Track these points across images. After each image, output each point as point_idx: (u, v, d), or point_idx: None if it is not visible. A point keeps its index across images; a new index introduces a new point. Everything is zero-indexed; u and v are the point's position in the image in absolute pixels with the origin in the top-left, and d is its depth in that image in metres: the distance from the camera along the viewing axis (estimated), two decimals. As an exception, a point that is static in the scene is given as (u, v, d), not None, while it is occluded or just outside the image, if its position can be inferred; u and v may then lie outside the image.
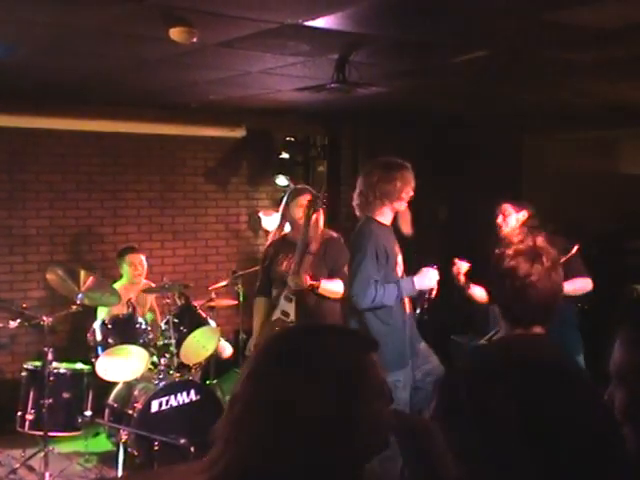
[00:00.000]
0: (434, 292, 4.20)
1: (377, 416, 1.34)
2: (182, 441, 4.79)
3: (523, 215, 4.75)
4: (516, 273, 2.09)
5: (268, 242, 5.08)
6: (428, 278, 4.13)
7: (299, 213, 4.66)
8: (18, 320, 5.26)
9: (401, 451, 1.53)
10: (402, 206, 4.24)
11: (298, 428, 1.26)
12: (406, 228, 4.36)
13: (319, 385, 1.27)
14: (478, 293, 4.57)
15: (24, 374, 5.25)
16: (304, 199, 4.66)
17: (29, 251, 6.42)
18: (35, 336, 6.07)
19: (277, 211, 7.36)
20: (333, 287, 4.54)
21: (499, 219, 4.78)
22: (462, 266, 4.58)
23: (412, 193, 4.22)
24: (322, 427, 1.25)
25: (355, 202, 4.28)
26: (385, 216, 4.21)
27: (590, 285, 4.58)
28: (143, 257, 6.04)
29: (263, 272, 4.94)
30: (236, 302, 6.25)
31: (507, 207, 4.78)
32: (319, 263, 4.59)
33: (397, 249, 4.24)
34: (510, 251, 2.14)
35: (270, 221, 7.37)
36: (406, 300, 4.21)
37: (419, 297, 4.23)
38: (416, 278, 4.12)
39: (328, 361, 1.31)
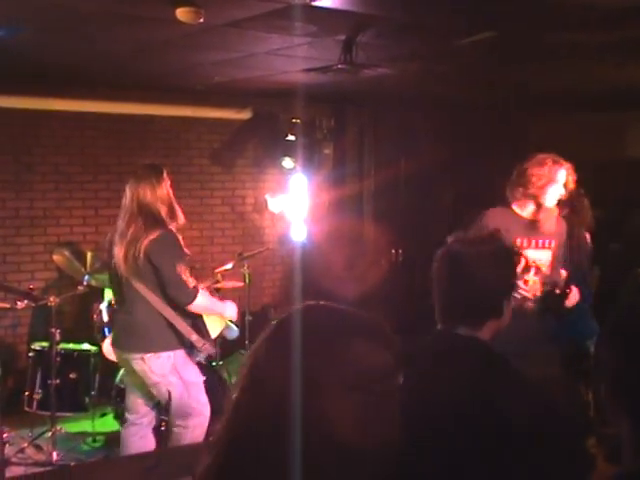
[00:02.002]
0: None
1: (356, 411, 1.25)
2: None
3: None
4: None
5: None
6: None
7: (169, 195, 4.14)
8: (25, 301, 5.28)
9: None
10: (543, 200, 4.14)
11: (279, 412, 1.23)
12: (546, 225, 4.24)
13: (290, 368, 1.24)
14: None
15: (31, 355, 5.28)
16: (167, 177, 4.19)
17: (36, 233, 6.43)
18: (42, 317, 6.10)
19: (284, 193, 7.41)
20: None
21: None
22: None
23: (551, 190, 4.11)
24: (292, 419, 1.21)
25: None
26: (522, 207, 4.17)
27: (561, 276, 4.56)
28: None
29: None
30: (242, 284, 6.25)
31: None
32: None
33: (524, 241, 4.14)
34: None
35: (277, 203, 7.38)
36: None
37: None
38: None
39: (302, 343, 1.27)
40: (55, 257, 5.45)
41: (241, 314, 6.75)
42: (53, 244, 6.29)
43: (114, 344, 4.33)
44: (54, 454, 4.92)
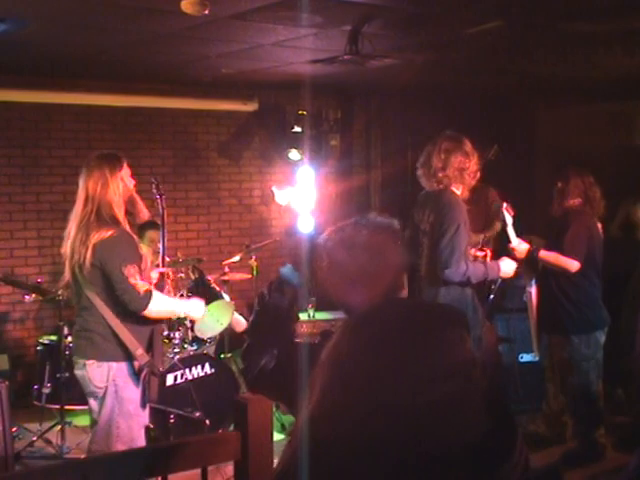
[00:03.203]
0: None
1: (451, 398, 1.22)
2: (197, 414, 4.82)
3: None
4: None
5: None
6: (510, 268, 4.17)
7: (127, 188, 3.73)
8: (33, 295, 5.29)
9: None
10: (473, 181, 4.21)
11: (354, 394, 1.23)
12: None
13: (381, 363, 1.22)
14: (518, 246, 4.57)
15: (40, 348, 5.29)
16: (126, 168, 3.78)
17: (43, 226, 6.43)
18: (50, 311, 6.12)
19: (291, 185, 7.39)
20: None
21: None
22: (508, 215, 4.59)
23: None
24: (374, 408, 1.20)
25: (432, 173, 4.11)
26: (461, 190, 4.18)
27: (573, 268, 4.59)
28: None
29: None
30: (250, 276, 6.26)
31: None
32: None
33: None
34: None
35: (283, 195, 7.37)
36: None
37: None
38: (502, 264, 4.13)
39: (392, 338, 1.26)
40: (63, 250, 5.44)
41: (248, 306, 6.78)
42: (60, 238, 6.27)
43: None
44: (63, 448, 4.94)
